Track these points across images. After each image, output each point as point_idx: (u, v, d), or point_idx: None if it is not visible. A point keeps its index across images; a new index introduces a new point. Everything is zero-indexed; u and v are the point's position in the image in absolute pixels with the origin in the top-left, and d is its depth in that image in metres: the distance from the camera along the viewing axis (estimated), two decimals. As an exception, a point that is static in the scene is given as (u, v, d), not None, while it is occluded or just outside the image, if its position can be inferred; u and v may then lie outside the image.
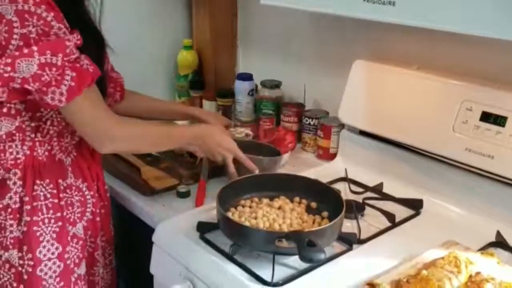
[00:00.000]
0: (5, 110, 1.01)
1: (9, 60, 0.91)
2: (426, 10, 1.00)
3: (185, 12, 1.95)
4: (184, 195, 1.27)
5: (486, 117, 1.14)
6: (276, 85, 1.69)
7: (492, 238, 1.08)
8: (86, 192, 1.13)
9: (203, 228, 1.07)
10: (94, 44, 1.07)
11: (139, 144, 1.13)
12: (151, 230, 1.13)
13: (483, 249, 1.03)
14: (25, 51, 0.91)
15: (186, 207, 1.22)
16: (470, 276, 0.89)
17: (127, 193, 1.31)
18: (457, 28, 0.97)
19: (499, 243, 1.07)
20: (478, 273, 0.89)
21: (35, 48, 0.91)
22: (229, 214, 1.05)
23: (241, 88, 1.73)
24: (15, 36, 0.91)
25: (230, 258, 0.99)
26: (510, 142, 1.10)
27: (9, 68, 0.91)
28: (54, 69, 0.93)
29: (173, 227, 1.11)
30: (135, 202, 1.28)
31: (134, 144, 1.12)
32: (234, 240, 1.00)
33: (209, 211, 1.15)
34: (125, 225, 1.32)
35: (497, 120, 1.12)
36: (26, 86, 0.93)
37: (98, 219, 1.17)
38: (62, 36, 0.93)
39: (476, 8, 0.93)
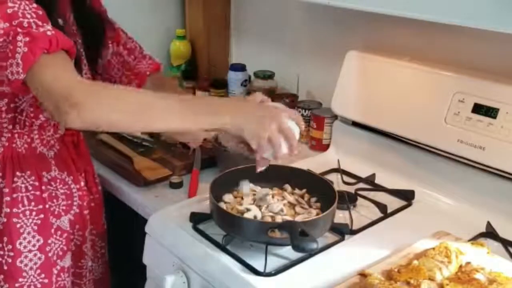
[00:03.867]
0: None
1: None
2: (420, 2, 1.00)
3: (178, 2, 1.94)
4: (177, 185, 1.27)
5: (478, 108, 1.15)
6: (269, 75, 1.69)
7: (483, 229, 1.09)
8: (72, 186, 1.12)
9: (196, 219, 1.07)
10: (88, 25, 1.02)
11: (124, 113, 0.85)
12: (144, 221, 1.13)
13: (473, 239, 1.04)
14: None
15: (179, 197, 1.22)
16: (461, 266, 0.90)
17: (119, 183, 1.31)
18: (452, 20, 0.97)
19: (489, 233, 1.08)
20: (468, 263, 0.90)
21: None
22: (222, 205, 1.05)
23: (234, 78, 1.73)
24: None
25: (223, 248, 0.99)
26: (501, 134, 1.11)
27: None
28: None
29: (166, 217, 1.11)
30: (128, 193, 1.27)
31: (117, 113, 0.85)
32: (227, 231, 1.00)
33: (202, 202, 1.15)
34: (118, 215, 1.32)
35: (489, 111, 1.13)
36: None
37: (86, 212, 1.15)
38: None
39: (471, 0, 0.93)
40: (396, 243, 1.01)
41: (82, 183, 1.15)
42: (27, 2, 0.86)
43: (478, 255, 0.95)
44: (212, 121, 0.89)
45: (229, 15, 1.90)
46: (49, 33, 0.85)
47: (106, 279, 1.27)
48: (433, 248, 0.94)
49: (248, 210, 1.03)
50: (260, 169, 0.99)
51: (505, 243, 1.05)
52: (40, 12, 0.87)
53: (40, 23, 0.85)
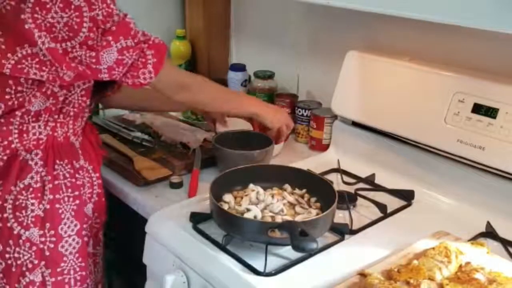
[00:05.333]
0: (44, 89, 1.02)
1: (93, 54, 0.96)
2: (420, 2, 1.00)
3: (178, 2, 1.94)
4: (177, 185, 1.27)
5: (478, 108, 1.15)
6: (269, 76, 1.69)
7: (482, 229, 1.09)
8: (93, 174, 1.16)
9: (196, 219, 1.07)
10: None
11: (212, 96, 1.21)
12: (144, 221, 1.13)
13: (473, 239, 1.04)
14: (103, 43, 0.97)
15: (179, 197, 1.22)
16: (460, 266, 0.90)
17: (120, 183, 1.31)
18: (452, 20, 0.97)
19: (489, 233, 1.08)
20: (468, 263, 0.90)
21: (110, 38, 0.97)
22: (222, 205, 1.06)
23: (234, 78, 1.73)
24: (85, 19, 0.95)
25: (223, 248, 0.99)
26: (501, 134, 1.11)
27: (94, 60, 0.97)
28: (131, 50, 0.99)
29: (166, 217, 1.11)
30: (128, 193, 1.27)
31: (211, 94, 1.20)
32: (227, 231, 1.00)
33: (202, 202, 1.15)
34: (118, 215, 1.32)
35: (489, 111, 1.13)
36: (113, 72, 1.00)
37: (103, 199, 1.20)
38: (122, 17, 0.99)
39: (471, 0, 0.93)
40: (396, 243, 1.01)
41: (99, 173, 1.19)
42: (129, 16, 1.01)
43: (477, 255, 0.95)
44: (246, 110, 1.29)
45: (229, 15, 1.90)
46: (161, 42, 1.05)
47: (104, 269, 1.29)
48: (433, 248, 0.94)
49: (248, 210, 1.04)
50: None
51: (505, 243, 1.05)
52: (134, 21, 1.02)
53: (142, 31, 1.03)
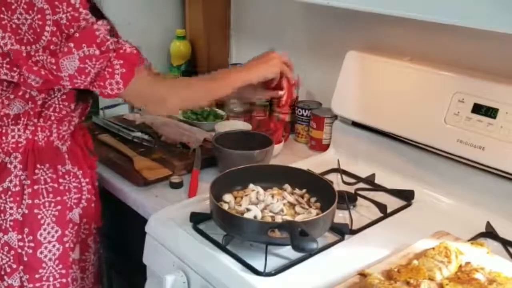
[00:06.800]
0: (20, 93, 1.02)
1: (53, 60, 0.93)
2: (420, 2, 1.00)
3: (178, 2, 1.94)
4: (177, 185, 1.27)
5: (478, 108, 1.15)
6: (269, 76, 1.69)
7: (482, 229, 1.09)
8: (82, 179, 1.15)
9: (196, 219, 1.07)
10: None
11: (202, 90, 1.13)
12: (144, 221, 1.13)
13: (473, 239, 1.04)
14: (65, 49, 0.93)
15: (179, 197, 1.22)
16: (460, 266, 0.90)
17: (119, 183, 1.31)
18: (452, 20, 0.97)
19: (489, 233, 1.08)
20: (468, 263, 0.90)
21: (71, 44, 0.93)
22: (222, 205, 1.06)
23: (234, 78, 1.72)
24: (48, 23, 0.92)
25: (223, 248, 0.99)
26: (501, 134, 1.11)
27: (54, 67, 0.94)
28: (94, 59, 0.95)
29: (166, 217, 1.11)
30: (128, 193, 1.27)
31: (196, 93, 1.12)
32: (227, 231, 1.00)
33: (202, 202, 1.15)
34: (118, 215, 1.32)
35: (489, 112, 1.13)
36: (75, 81, 0.96)
37: (92, 205, 1.18)
38: (90, 23, 0.94)
39: (471, 0, 0.93)
40: (396, 243, 1.01)
41: (89, 178, 1.17)
42: (100, 22, 0.96)
43: (478, 255, 0.95)
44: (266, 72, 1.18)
45: (229, 15, 1.90)
46: (134, 51, 1.00)
47: (100, 274, 1.29)
48: (433, 248, 0.94)
49: (248, 210, 1.04)
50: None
51: (505, 243, 1.05)
52: (109, 27, 0.98)
53: (115, 39, 0.99)
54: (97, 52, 0.95)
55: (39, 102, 1.04)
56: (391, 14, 1.07)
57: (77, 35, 0.93)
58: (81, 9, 0.93)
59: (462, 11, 0.93)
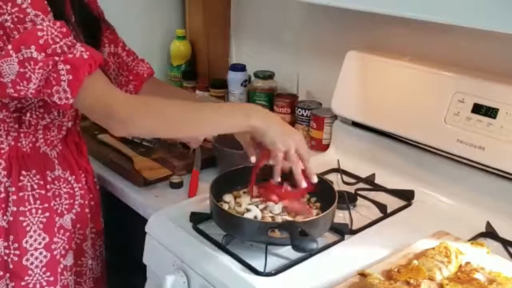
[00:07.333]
0: None
1: None
2: (420, 2, 1.00)
3: (178, 2, 1.94)
4: (177, 185, 1.27)
5: (478, 108, 1.15)
6: (269, 75, 1.69)
7: (482, 229, 1.09)
8: (75, 185, 1.13)
9: (196, 219, 1.07)
10: (87, 26, 1.03)
11: (164, 124, 0.96)
12: (144, 221, 1.13)
13: (473, 239, 1.04)
14: (3, 52, 0.87)
15: (179, 197, 1.22)
16: (460, 266, 0.90)
17: (119, 183, 1.31)
18: (451, 20, 0.97)
19: (489, 233, 1.08)
20: (468, 263, 0.90)
21: (9, 46, 0.86)
22: (222, 205, 1.06)
23: (234, 78, 1.73)
24: None
25: (223, 248, 0.99)
26: (501, 134, 1.11)
27: None
28: (32, 62, 0.87)
29: (166, 217, 1.11)
30: (128, 193, 1.27)
31: (158, 125, 0.96)
32: (227, 231, 1.00)
33: (202, 202, 1.15)
34: (118, 215, 1.32)
35: (489, 112, 1.13)
36: (18, 87, 0.89)
37: (87, 210, 1.16)
38: (39, 24, 0.87)
39: (471, 0, 0.93)
40: (396, 243, 1.01)
41: (83, 182, 1.15)
42: (51, 24, 0.88)
43: (478, 255, 0.95)
44: (241, 123, 0.97)
45: (229, 15, 1.90)
46: (85, 55, 0.90)
47: (104, 277, 1.28)
48: (433, 248, 0.94)
49: (248, 210, 1.04)
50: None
51: (505, 243, 1.05)
52: (65, 30, 0.90)
53: (69, 43, 0.90)
54: (38, 55, 0.86)
55: (12, 109, 1.00)
56: (391, 14, 1.07)
57: (17, 36, 0.86)
58: (28, 10, 0.86)
59: (462, 11, 0.93)
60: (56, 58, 0.88)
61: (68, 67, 0.88)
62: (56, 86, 0.88)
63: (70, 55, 0.89)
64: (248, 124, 0.96)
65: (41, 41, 0.87)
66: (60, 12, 0.94)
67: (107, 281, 1.30)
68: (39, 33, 0.87)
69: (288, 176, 1.02)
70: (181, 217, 1.09)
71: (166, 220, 1.10)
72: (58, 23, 0.90)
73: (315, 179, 1.02)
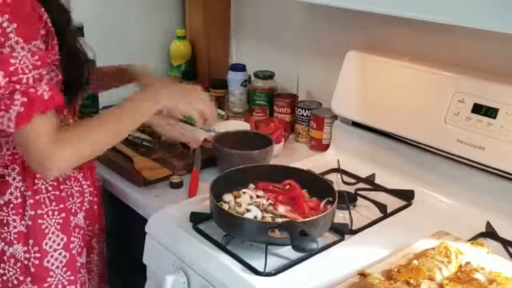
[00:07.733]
0: None
1: None
2: (420, 2, 1.00)
3: (178, 2, 1.94)
4: (177, 185, 1.27)
5: (478, 109, 1.15)
6: (269, 75, 1.69)
7: (482, 229, 1.09)
8: (83, 182, 1.14)
9: (196, 219, 1.07)
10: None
11: (92, 149, 1.01)
12: (144, 221, 1.14)
13: (473, 239, 1.04)
14: None
15: (179, 197, 1.22)
16: (460, 266, 0.90)
17: (120, 183, 1.31)
18: (451, 20, 0.97)
19: (489, 233, 1.08)
20: (468, 263, 0.90)
21: None
22: (222, 205, 1.06)
23: (234, 79, 1.73)
24: None
25: (223, 248, 0.99)
26: (501, 134, 1.11)
27: None
28: None
29: (166, 217, 1.11)
30: (128, 193, 1.27)
31: (86, 153, 1.00)
32: (227, 231, 1.00)
33: (202, 202, 1.15)
34: (118, 215, 1.32)
35: (489, 112, 1.13)
36: None
37: (95, 207, 1.18)
38: (16, 51, 0.88)
39: (471, 0, 0.93)
40: (396, 243, 1.01)
41: (90, 179, 1.17)
42: (28, 55, 0.89)
43: (478, 255, 0.95)
44: (151, 110, 1.05)
45: (229, 15, 1.90)
46: (46, 96, 0.90)
47: (106, 274, 1.29)
48: (433, 248, 0.94)
49: (248, 210, 1.04)
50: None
51: (505, 243, 1.05)
52: (39, 63, 0.90)
53: (37, 76, 0.90)
54: (3, 80, 0.87)
55: None
56: (391, 14, 1.07)
57: None
58: (11, 35, 0.87)
59: (462, 11, 0.93)
60: (17, 87, 0.88)
61: (25, 99, 0.89)
62: (3, 111, 0.89)
63: (32, 89, 0.89)
64: (158, 108, 1.05)
65: (11, 68, 0.88)
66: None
67: (109, 279, 1.30)
68: (12, 60, 0.88)
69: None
70: (181, 217, 1.09)
71: (166, 220, 1.10)
72: (36, 57, 0.90)
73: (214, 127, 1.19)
